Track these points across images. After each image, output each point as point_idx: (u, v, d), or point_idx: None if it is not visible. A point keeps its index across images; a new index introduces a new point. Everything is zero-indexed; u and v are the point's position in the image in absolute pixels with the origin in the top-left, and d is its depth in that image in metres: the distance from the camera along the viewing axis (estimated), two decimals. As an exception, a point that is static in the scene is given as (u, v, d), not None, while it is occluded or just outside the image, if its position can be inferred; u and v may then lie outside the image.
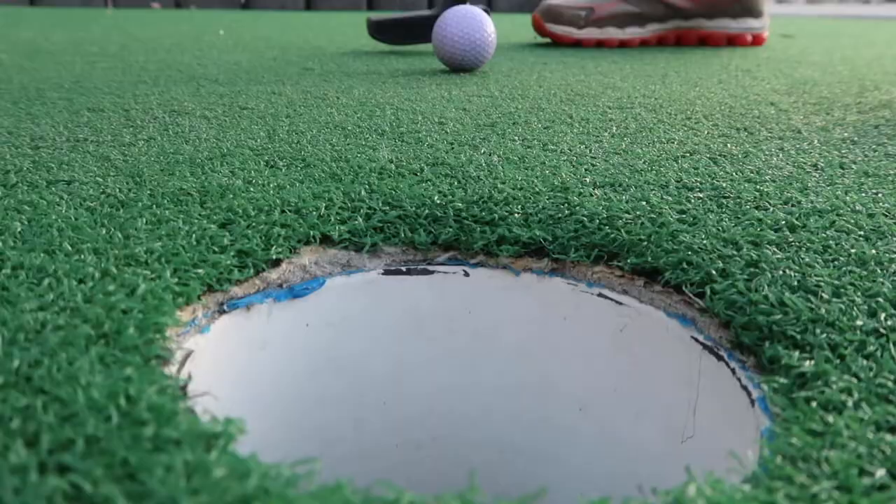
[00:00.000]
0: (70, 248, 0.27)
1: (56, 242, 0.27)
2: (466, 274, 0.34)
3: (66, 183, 0.36)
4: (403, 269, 0.34)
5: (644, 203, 0.35)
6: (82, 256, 0.26)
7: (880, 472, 0.16)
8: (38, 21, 1.79)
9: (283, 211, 0.33)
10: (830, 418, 0.18)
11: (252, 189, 0.36)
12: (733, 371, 0.26)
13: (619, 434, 0.34)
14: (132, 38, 1.30)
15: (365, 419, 0.37)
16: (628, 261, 0.31)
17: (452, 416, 0.38)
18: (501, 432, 0.38)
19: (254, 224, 0.32)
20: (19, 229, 0.29)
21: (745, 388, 0.25)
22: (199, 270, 0.27)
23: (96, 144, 0.45)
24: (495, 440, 0.38)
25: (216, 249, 0.29)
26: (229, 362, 0.29)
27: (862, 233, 0.31)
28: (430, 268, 0.34)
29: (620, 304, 0.32)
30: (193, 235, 0.30)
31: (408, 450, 0.38)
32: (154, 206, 0.33)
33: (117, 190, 0.35)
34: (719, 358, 0.27)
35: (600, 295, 0.32)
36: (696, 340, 0.28)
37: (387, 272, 0.34)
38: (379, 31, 1.10)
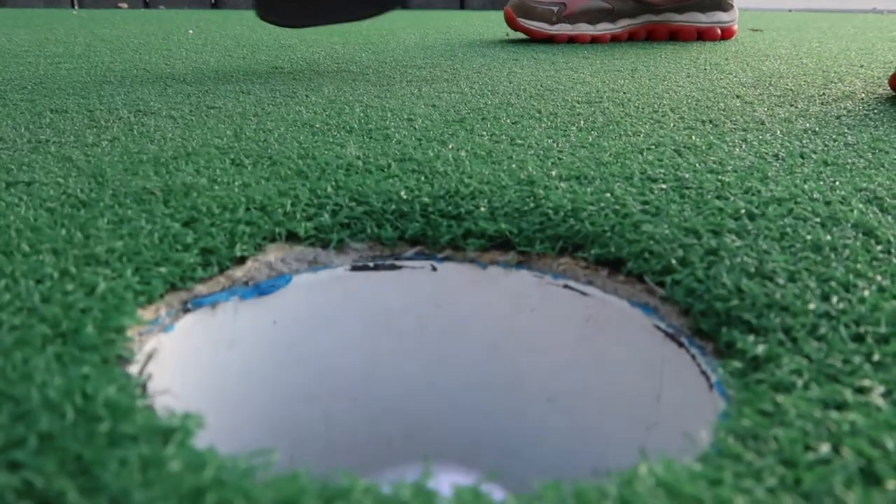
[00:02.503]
0: (28, 248, 0.27)
1: (14, 243, 0.27)
2: (434, 268, 0.34)
3: (25, 184, 0.35)
4: (371, 264, 0.34)
5: (608, 195, 0.36)
6: (40, 257, 0.26)
7: (825, 447, 0.16)
8: (1, 22, 1.75)
9: (248, 209, 0.33)
10: (780, 398, 0.19)
11: (217, 187, 0.36)
12: (693, 357, 0.26)
13: (588, 425, 0.34)
14: (98, 39, 1.28)
15: (335, 416, 0.37)
16: (592, 252, 0.31)
17: (423, 411, 0.38)
18: (471, 426, 0.38)
19: (218, 222, 0.32)
20: (-24, 231, 0.28)
21: (704, 373, 0.25)
22: (162, 269, 0.27)
23: (58, 145, 0.44)
24: (466, 434, 0.38)
25: (179, 248, 0.29)
26: (195, 361, 0.29)
27: (818, 219, 0.31)
28: (398, 263, 0.34)
29: (585, 294, 0.32)
30: (156, 234, 0.29)
31: (379, 445, 0.38)
32: (116, 205, 0.33)
33: (78, 190, 0.34)
34: (680, 345, 0.27)
35: (566, 286, 0.32)
36: (659, 328, 0.29)
37: (354, 268, 0.34)
38: (267, 10, 0.80)
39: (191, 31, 1.40)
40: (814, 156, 0.43)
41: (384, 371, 0.37)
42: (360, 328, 0.36)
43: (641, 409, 0.31)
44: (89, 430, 0.16)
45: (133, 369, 0.22)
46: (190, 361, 0.29)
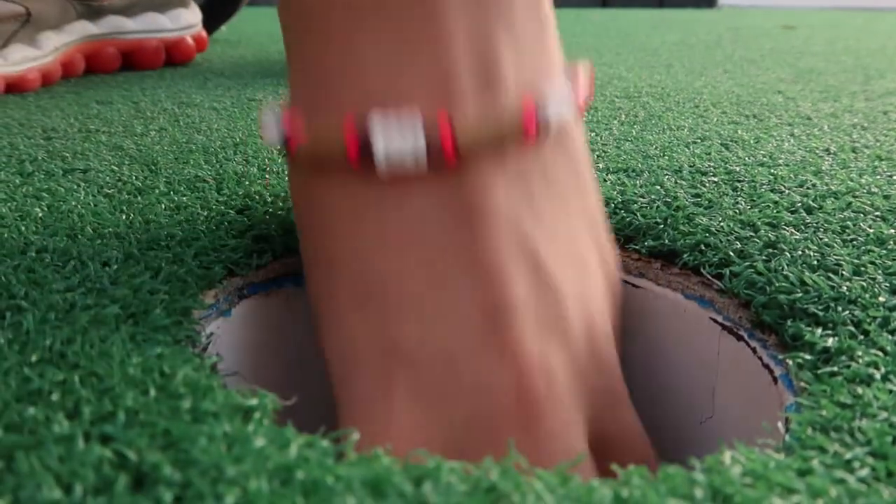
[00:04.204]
0: (92, 232, 0.27)
1: (78, 227, 0.27)
2: (482, 259, 0.34)
3: (81, 171, 0.36)
4: (419, 254, 0.34)
5: (658, 187, 0.35)
6: (105, 240, 0.26)
7: (914, 440, 0.16)
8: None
9: (299, 197, 0.33)
10: (859, 390, 0.18)
11: (267, 176, 0.36)
12: (754, 350, 0.26)
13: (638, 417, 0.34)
14: (134, 34, 1.29)
15: (381, 405, 0.37)
16: (645, 244, 0.31)
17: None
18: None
19: (271, 210, 0.32)
20: (40, 215, 0.29)
21: (766, 366, 0.25)
22: (220, 254, 0.27)
23: (108, 135, 0.45)
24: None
25: (235, 234, 0.29)
26: (250, 347, 0.29)
27: (879, 213, 0.31)
28: (446, 253, 0.34)
29: (637, 287, 0.32)
30: (212, 221, 0.30)
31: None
32: (171, 192, 0.33)
33: (133, 177, 0.35)
34: (739, 338, 0.27)
35: (617, 278, 0.32)
36: (715, 321, 0.28)
37: (403, 258, 0.34)
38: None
39: (223, 28, 1.41)
40: (866, 150, 0.42)
41: (430, 362, 0.37)
42: (408, 318, 0.36)
43: (695, 402, 0.30)
44: (172, 407, 0.16)
45: (197, 352, 0.22)
46: (244, 347, 0.29)
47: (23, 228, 0.27)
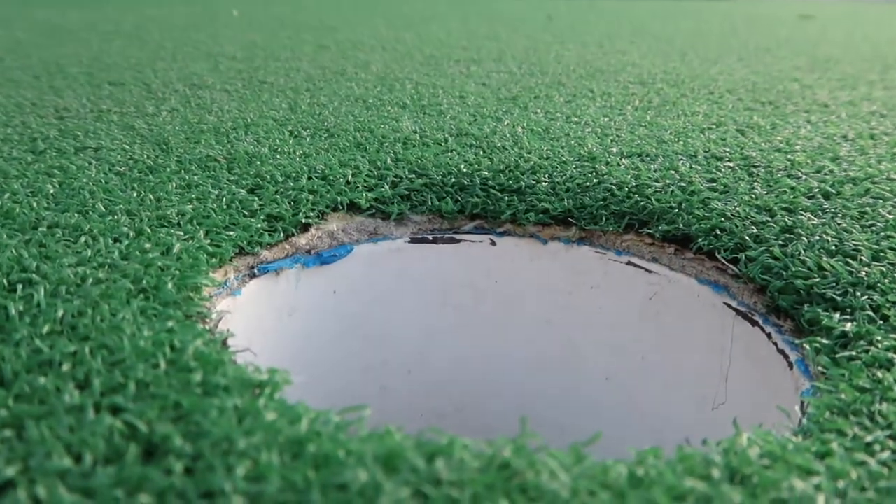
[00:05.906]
0: (103, 208, 0.27)
1: (89, 203, 0.27)
2: (493, 243, 0.34)
3: (93, 150, 0.36)
4: (430, 237, 0.34)
5: (673, 172, 0.35)
6: (116, 217, 0.26)
7: (935, 424, 0.16)
8: (53, 0, 1.79)
9: (310, 177, 0.33)
10: (879, 374, 0.18)
11: (279, 156, 0.36)
12: (769, 336, 0.26)
13: (647, 404, 0.34)
14: (146, 18, 1.29)
15: (390, 387, 0.37)
16: (659, 228, 0.31)
17: (476, 386, 0.38)
18: (525, 402, 0.38)
19: (282, 190, 0.32)
20: (52, 191, 0.29)
21: (781, 351, 0.24)
22: (231, 233, 0.27)
23: (120, 115, 0.45)
24: (519, 410, 0.38)
25: (246, 213, 0.29)
26: (259, 326, 0.29)
27: (898, 200, 0.30)
28: (457, 236, 0.34)
29: (650, 271, 0.31)
30: (223, 199, 0.29)
31: (431, 419, 0.38)
32: (182, 171, 0.33)
33: (145, 156, 0.35)
34: (754, 323, 0.26)
35: (629, 263, 0.32)
36: (729, 306, 0.28)
37: (413, 240, 0.34)
38: None
39: (235, 12, 1.41)
40: (885, 137, 0.41)
41: (439, 344, 0.37)
42: (417, 301, 0.35)
43: (706, 388, 0.30)
44: (183, 380, 0.16)
45: (208, 328, 0.22)
46: (254, 326, 0.29)
47: (34, 204, 0.27)
